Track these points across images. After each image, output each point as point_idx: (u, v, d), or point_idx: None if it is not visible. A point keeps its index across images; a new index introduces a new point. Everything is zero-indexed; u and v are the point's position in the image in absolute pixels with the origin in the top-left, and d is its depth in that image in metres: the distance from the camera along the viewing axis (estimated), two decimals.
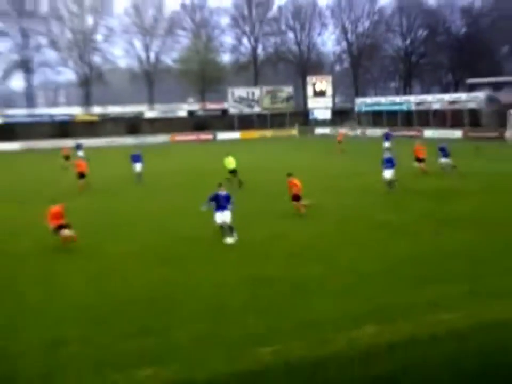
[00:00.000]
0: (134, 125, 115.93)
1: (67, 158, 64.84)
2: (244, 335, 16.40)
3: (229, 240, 26.51)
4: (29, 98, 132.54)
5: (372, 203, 36.99)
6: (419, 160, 46.86)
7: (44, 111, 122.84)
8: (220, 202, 26.77)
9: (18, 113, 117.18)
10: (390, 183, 39.81)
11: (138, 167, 50.10)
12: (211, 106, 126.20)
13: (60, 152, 67.72)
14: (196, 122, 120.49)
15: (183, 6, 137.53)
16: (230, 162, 46.24)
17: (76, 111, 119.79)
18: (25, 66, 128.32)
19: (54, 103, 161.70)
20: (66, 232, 25.46)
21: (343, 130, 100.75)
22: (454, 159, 46.97)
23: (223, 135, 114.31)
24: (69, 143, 73.48)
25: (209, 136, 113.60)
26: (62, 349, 15.97)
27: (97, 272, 23.18)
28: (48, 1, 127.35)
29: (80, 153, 67.15)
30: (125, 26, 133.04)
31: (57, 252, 26.28)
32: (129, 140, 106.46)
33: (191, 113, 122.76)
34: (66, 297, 20.21)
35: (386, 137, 70.46)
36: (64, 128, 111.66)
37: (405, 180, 42.64)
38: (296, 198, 32.70)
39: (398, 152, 51.59)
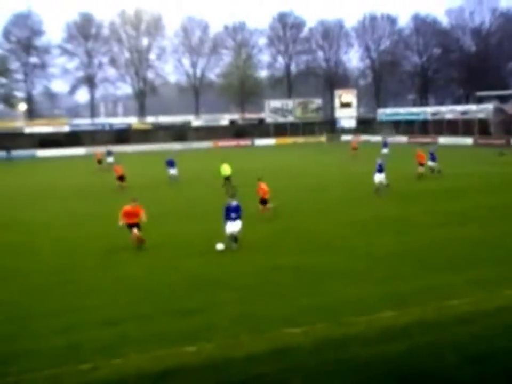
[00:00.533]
0: (181, 133, 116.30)
1: (99, 162, 65.51)
2: (274, 317, 16.59)
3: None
4: (92, 109, 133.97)
5: (383, 199, 37.47)
6: (421, 164, 46.84)
7: (104, 120, 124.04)
8: (231, 213, 24.70)
9: (83, 122, 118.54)
10: (379, 187, 39.29)
11: (172, 170, 50.47)
12: (250, 116, 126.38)
13: (94, 157, 68.27)
14: (236, 130, 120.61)
15: (226, 27, 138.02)
16: (226, 169, 45.04)
17: (132, 121, 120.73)
18: (89, 82, 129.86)
19: (113, 114, 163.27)
20: (135, 231, 25.12)
21: (356, 138, 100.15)
22: (463, 165, 46.95)
23: (260, 141, 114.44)
24: (100, 149, 73.35)
25: (248, 142, 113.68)
26: (119, 326, 16.35)
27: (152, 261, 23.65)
28: (109, 26, 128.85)
29: (110, 159, 66.95)
30: (175, 46, 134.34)
31: (120, 247, 26.73)
32: (177, 146, 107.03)
33: (232, 122, 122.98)
34: (129, 282, 20.64)
35: (384, 144, 70.45)
36: (122, 135, 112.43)
37: (410, 181, 42.98)
38: (263, 201, 32.09)
39: (396, 157, 52.11)
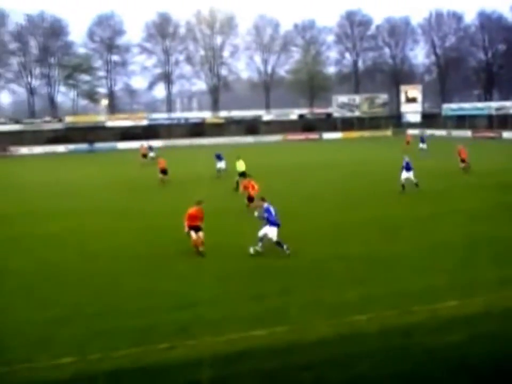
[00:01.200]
0: (253, 126, 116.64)
1: (144, 156, 65.50)
2: (342, 304, 16.61)
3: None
4: (169, 104, 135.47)
5: (446, 188, 37.02)
6: (463, 160, 45.95)
7: (180, 115, 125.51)
8: (273, 217, 22.08)
9: (160, 116, 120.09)
10: (405, 184, 37.51)
11: (220, 164, 49.93)
12: (318, 110, 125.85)
13: (139, 151, 68.57)
14: (305, 124, 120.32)
15: (296, 26, 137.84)
16: (240, 165, 43.52)
17: (206, 115, 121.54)
18: (166, 78, 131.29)
19: (189, 108, 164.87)
20: (193, 234, 23.23)
21: (410, 132, 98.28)
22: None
23: (327, 135, 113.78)
24: (145, 143, 73.54)
25: (316, 136, 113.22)
26: (193, 309, 16.59)
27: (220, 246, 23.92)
28: (186, 25, 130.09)
29: (152, 154, 66.85)
30: (247, 44, 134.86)
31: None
32: (248, 139, 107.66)
33: (301, 116, 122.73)
34: (204, 268, 20.83)
35: (422, 139, 69.02)
36: (196, 129, 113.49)
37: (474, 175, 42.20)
38: (251, 199, 31.28)
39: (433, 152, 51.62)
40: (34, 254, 24.20)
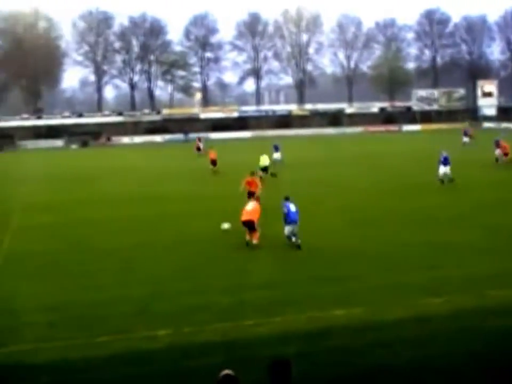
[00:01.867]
0: (336, 119, 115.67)
1: (198, 149, 65.00)
2: (417, 286, 16.49)
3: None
4: (258, 97, 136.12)
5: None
6: (505, 154, 44.26)
7: (268, 107, 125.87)
8: (291, 215, 21.16)
9: (250, 109, 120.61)
10: (443, 179, 35.99)
11: (276, 155, 48.93)
12: (398, 104, 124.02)
13: (194, 144, 68.51)
14: (385, 117, 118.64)
15: (377, 24, 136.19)
16: (264, 160, 41.77)
17: (292, 108, 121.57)
18: (255, 73, 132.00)
19: (276, 101, 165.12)
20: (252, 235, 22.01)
21: (471, 127, 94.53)
22: None
23: (407, 127, 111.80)
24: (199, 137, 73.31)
25: (396, 128, 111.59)
26: (277, 289, 16.65)
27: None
28: (274, 23, 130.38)
29: (201, 145, 66.26)
30: (331, 41, 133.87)
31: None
32: (331, 131, 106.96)
33: (382, 109, 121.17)
34: (281, 251, 20.87)
35: (464, 133, 66.41)
36: (283, 120, 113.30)
37: None
38: (251, 194, 28.01)
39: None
40: (134, 234, 24.82)
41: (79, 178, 46.36)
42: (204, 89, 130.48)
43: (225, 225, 23.25)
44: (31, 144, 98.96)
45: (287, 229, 21.29)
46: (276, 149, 49.64)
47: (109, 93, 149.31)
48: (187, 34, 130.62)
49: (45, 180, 46.54)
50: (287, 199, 22.07)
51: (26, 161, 68.87)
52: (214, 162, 46.36)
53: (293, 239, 21.22)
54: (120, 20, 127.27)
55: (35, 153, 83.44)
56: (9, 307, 15.94)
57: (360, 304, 15.24)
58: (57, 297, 16.60)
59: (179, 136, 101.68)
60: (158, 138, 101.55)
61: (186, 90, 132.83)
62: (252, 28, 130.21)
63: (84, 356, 12.65)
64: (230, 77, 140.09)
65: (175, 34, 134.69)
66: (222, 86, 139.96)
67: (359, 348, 12.79)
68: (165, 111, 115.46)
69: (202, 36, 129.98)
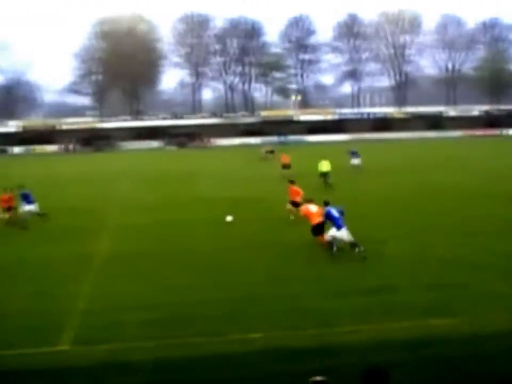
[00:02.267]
0: (435, 122, 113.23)
1: (271, 152, 64.64)
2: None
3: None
4: (355, 99, 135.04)
5: None
6: None
7: (366, 110, 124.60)
8: (337, 219, 20.10)
9: (347, 111, 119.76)
10: None
11: (355, 161, 48.05)
12: (502, 107, 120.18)
13: (262, 148, 68.61)
14: (488, 120, 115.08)
15: (481, 24, 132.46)
16: (323, 166, 39.75)
17: (391, 110, 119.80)
18: (353, 75, 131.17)
19: (374, 104, 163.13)
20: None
21: None
22: None
23: (509, 132, 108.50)
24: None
25: (498, 132, 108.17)
26: (377, 295, 16.21)
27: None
28: (373, 25, 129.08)
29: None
30: (432, 42, 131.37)
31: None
32: (431, 134, 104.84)
33: (484, 112, 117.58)
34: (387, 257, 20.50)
35: None
36: (381, 123, 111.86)
37: None
38: (295, 204, 26.72)
39: None
40: (227, 237, 24.80)
41: (174, 179, 47.20)
42: (301, 91, 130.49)
43: (229, 218, 25.72)
44: (129, 145, 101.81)
45: (340, 234, 19.98)
46: (354, 154, 48.85)
47: (207, 94, 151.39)
48: (284, 36, 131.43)
49: (141, 180, 47.59)
50: (327, 204, 21.02)
51: (124, 162, 70.77)
52: (285, 166, 45.80)
53: (356, 249, 19.95)
54: (218, 22, 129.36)
55: (133, 153, 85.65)
56: (108, 305, 16.31)
57: (461, 314, 14.74)
58: (154, 297, 16.85)
59: (275, 138, 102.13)
60: (254, 140, 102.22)
61: (283, 92, 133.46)
62: (350, 29, 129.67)
63: (178, 356, 12.79)
64: (328, 79, 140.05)
65: (272, 36, 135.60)
66: (319, 88, 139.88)
67: (457, 359, 12.34)
68: (262, 113, 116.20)
69: (299, 37, 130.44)
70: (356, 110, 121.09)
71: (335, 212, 20.32)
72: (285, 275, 18.65)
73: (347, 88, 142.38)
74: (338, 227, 19.96)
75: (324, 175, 39.41)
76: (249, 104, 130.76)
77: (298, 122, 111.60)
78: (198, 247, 22.94)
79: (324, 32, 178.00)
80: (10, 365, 12.55)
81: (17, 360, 12.82)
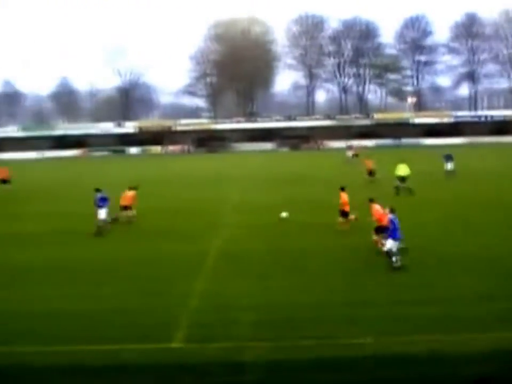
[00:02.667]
0: None
1: (356, 155, 63.61)
2: None
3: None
4: (473, 102, 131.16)
5: None
6: None
7: (483, 113, 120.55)
8: (397, 231, 19.65)
9: (465, 114, 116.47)
10: None
11: (449, 165, 46.66)
12: None
13: (348, 150, 67.80)
14: None
15: None
16: (401, 170, 38.44)
17: (510, 113, 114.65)
18: (471, 77, 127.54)
19: (493, 106, 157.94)
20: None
21: None
22: None
23: None
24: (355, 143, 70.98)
25: None
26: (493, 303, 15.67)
27: None
28: (492, 24, 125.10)
29: (349, 153, 65.99)
30: None
31: None
32: None
33: None
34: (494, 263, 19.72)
35: None
36: (500, 127, 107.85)
37: None
38: (345, 214, 26.08)
39: None
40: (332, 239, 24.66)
41: (287, 180, 47.30)
42: (417, 93, 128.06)
43: (283, 214, 26.90)
44: (243, 146, 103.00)
45: (391, 244, 19.50)
46: (448, 159, 47.44)
47: (320, 96, 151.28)
48: (400, 36, 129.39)
49: (255, 181, 48.00)
50: (392, 211, 20.33)
51: (238, 163, 71.63)
52: (370, 173, 45.08)
53: (394, 258, 19.45)
54: (333, 24, 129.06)
55: (246, 155, 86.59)
56: (220, 304, 16.53)
57: None
58: (265, 297, 17.00)
59: (390, 141, 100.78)
60: (368, 143, 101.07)
61: (398, 94, 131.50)
62: (468, 29, 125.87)
63: (288, 357, 12.85)
64: (444, 81, 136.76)
65: (387, 37, 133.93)
66: (435, 89, 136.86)
67: None
68: (376, 116, 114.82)
69: (415, 38, 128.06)
70: (473, 113, 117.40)
71: (397, 222, 19.82)
72: (397, 280, 18.38)
73: (464, 90, 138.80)
74: (395, 238, 19.53)
75: (402, 179, 38.21)
76: (363, 107, 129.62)
77: (414, 125, 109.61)
78: (309, 247, 23.00)
79: (440, 33, 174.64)
80: (126, 359, 12.94)
81: (131, 355, 13.15)
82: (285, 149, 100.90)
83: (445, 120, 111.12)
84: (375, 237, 22.12)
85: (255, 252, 22.47)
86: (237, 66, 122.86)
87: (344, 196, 26.45)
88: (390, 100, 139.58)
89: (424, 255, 21.19)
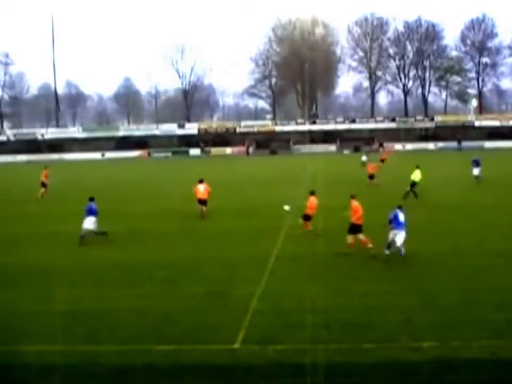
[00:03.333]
0: None
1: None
2: None
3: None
4: None
5: None
6: None
7: None
8: (397, 222, 21.11)
9: None
10: None
11: (475, 171, 46.03)
12: None
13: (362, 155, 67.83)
14: None
15: None
16: (415, 175, 38.95)
17: None
18: None
19: None
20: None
21: None
22: None
23: None
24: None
25: None
26: None
27: None
28: None
29: (364, 158, 65.56)
30: None
31: None
32: None
33: None
34: None
35: None
36: None
37: None
38: (307, 217, 26.30)
39: None
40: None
41: (348, 182, 47.34)
42: (480, 95, 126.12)
43: (286, 207, 26.92)
44: (305, 148, 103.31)
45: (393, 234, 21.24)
46: (476, 163, 46.79)
47: (382, 98, 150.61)
48: (463, 38, 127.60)
49: (315, 182, 48.08)
50: (399, 207, 21.88)
51: (299, 165, 71.88)
52: (371, 177, 46.25)
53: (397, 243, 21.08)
54: (395, 25, 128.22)
55: (308, 157, 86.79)
56: (284, 306, 16.69)
57: None
58: (328, 300, 17.07)
59: (452, 144, 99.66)
60: (430, 145, 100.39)
61: (461, 96, 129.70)
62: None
63: (349, 360, 12.89)
64: (508, 83, 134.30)
65: (451, 39, 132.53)
66: (499, 92, 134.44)
67: None
68: (438, 118, 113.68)
69: (479, 40, 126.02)
70: None
71: (401, 216, 21.36)
72: (463, 284, 18.35)
73: None
74: (396, 227, 21.22)
75: (413, 184, 38.73)
76: (425, 109, 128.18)
77: (476, 127, 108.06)
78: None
79: (504, 34, 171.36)
80: (188, 360, 13.22)
81: (194, 356, 13.44)
82: (347, 151, 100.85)
83: (508, 123, 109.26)
84: (349, 239, 22.49)
85: (315, 255, 22.61)
86: (298, 68, 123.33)
87: (313, 200, 26.46)
88: (453, 102, 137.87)
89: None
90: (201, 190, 31.89)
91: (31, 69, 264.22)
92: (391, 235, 21.26)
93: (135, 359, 13.22)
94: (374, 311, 16.09)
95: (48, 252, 25.03)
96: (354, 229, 22.29)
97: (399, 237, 21.01)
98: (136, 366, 12.90)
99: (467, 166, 48.78)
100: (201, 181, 32.42)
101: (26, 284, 19.86)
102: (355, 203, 22.70)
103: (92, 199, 26.84)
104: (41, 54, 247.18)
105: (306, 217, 26.28)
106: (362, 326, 14.91)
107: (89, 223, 26.05)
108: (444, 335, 14.05)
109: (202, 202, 31.87)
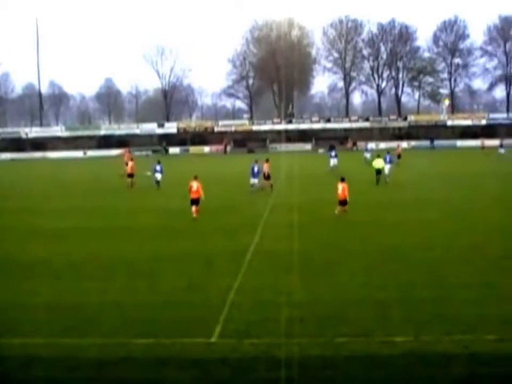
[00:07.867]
0: None
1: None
2: None
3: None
4: (508, 104, 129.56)
5: None
6: None
7: None
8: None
9: (500, 116, 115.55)
10: None
11: (333, 161, 50.59)
12: None
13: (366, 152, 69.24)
14: None
15: None
16: (378, 163, 43.86)
17: None
18: (506, 79, 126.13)
19: None
20: None
21: None
22: None
23: None
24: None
25: None
26: None
27: None
28: None
29: (367, 155, 67.76)
30: None
31: None
32: None
33: None
34: None
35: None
36: None
37: None
38: (343, 202, 30.08)
39: None
40: (374, 238, 24.72)
41: (322, 180, 47.43)
42: (452, 95, 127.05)
43: (148, 173, 27.59)
44: (281, 147, 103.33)
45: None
46: (331, 152, 51.29)
47: (357, 98, 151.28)
48: (436, 40, 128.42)
49: (291, 180, 48.09)
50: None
51: (274, 162, 71.70)
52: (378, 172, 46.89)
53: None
54: (369, 27, 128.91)
55: (284, 155, 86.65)
56: (260, 300, 16.62)
57: None
58: (304, 294, 16.94)
59: (424, 143, 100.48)
60: (403, 144, 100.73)
61: (434, 96, 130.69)
62: (504, 32, 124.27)
63: (323, 354, 12.82)
64: (479, 83, 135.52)
65: (423, 40, 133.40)
66: (470, 92, 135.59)
67: None
68: (412, 118, 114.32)
69: (451, 41, 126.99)
70: (508, 115, 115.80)
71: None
72: (439, 279, 18.30)
73: (500, 92, 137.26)
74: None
75: (378, 171, 43.42)
76: (398, 109, 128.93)
77: (448, 127, 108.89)
78: (352, 248, 22.94)
79: (476, 35, 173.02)
80: (166, 353, 13.07)
81: (171, 349, 13.33)
82: (321, 150, 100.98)
83: (479, 122, 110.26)
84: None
85: (293, 250, 22.18)
86: (275, 69, 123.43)
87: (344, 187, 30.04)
88: (425, 102, 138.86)
89: None
90: (194, 188, 30.85)
91: (16, 70, 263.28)
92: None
93: (115, 352, 13.11)
94: (348, 305, 16.00)
95: (29, 246, 24.82)
96: (342, 202, 29.65)
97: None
98: (115, 359, 12.80)
99: (440, 163, 49.17)
100: (195, 177, 31.58)
101: (8, 277, 19.68)
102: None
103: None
104: (26, 55, 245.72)
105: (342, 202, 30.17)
106: (336, 320, 14.81)
107: None
108: (417, 329, 13.98)
109: (195, 201, 30.79)
